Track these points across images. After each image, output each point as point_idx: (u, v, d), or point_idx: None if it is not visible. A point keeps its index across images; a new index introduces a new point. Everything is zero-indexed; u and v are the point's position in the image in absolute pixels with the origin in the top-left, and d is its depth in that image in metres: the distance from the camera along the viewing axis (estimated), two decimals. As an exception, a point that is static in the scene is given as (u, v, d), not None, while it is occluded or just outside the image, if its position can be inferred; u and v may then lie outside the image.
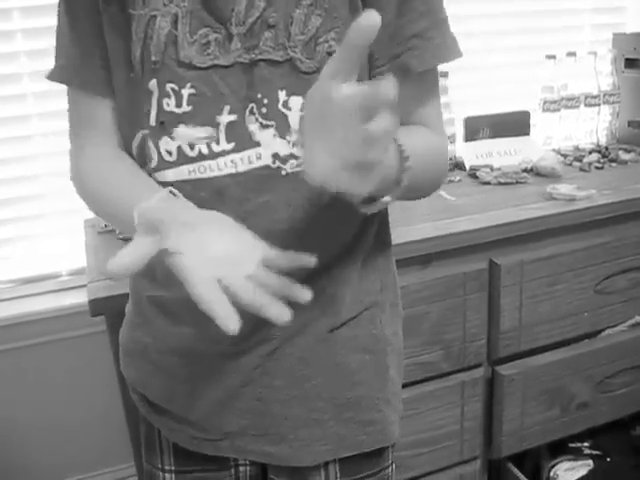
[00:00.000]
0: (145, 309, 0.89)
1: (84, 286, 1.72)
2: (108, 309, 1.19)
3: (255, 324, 0.82)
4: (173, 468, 0.97)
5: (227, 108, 0.75)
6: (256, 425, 0.88)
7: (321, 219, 0.80)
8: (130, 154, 0.82)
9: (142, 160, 0.80)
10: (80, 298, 1.76)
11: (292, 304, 0.81)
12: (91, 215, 1.60)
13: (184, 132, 0.75)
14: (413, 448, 1.49)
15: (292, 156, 0.76)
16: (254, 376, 0.85)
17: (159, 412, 0.94)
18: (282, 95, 0.75)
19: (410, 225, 1.41)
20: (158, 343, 0.89)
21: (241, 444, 0.89)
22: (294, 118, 0.75)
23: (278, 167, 0.76)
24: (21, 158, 1.71)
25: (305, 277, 0.81)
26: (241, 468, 0.96)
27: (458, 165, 1.82)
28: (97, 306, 1.20)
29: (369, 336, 0.90)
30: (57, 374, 1.88)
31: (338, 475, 0.92)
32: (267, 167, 0.76)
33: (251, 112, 0.75)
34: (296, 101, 0.75)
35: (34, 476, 1.95)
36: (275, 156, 0.76)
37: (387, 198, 0.70)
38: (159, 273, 0.83)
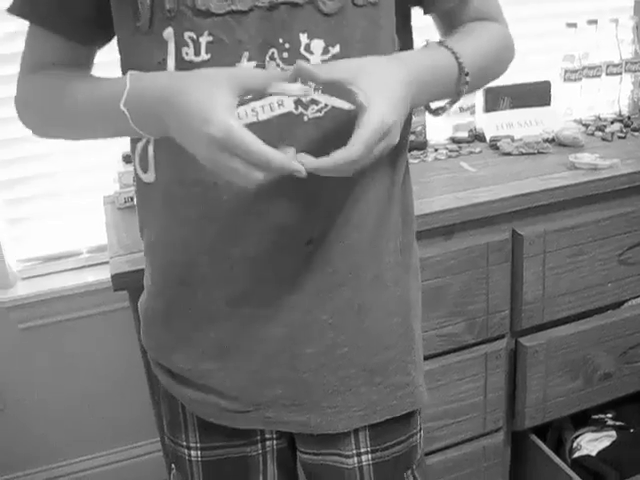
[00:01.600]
0: (166, 275, 0.88)
1: (105, 263, 1.74)
2: (130, 283, 1.19)
3: (281, 288, 0.82)
4: (198, 445, 0.95)
5: (246, 54, 0.73)
6: (288, 394, 0.87)
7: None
8: None
9: None
10: (101, 275, 1.77)
11: (321, 268, 0.82)
12: (110, 192, 1.62)
13: None
14: (436, 420, 1.49)
15: (313, 101, 0.75)
16: (284, 345, 0.85)
17: (184, 384, 0.91)
18: (304, 38, 0.73)
19: (431, 197, 1.40)
20: (182, 309, 0.87)
21: (272, 415, 0.89)
22: (316, 62, 0.74)
23: (300, 113, 0.75)
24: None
25: (331, 235, 0.81)
26: (268, 442, 0.95)
27: (478, 136, 1.80)
28: (120, 281, 1.20)
29: (395, 298, 0.90)
30: (79, 351, 1.89)
31: (369, 443, 0.92)
32: (289, 114, 0.75)
33: (271, 58, 0.73)
34: (318, 44, 0.74)
35: (59, 452, 1.98)
36: (298, 102, 0.75)
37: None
38: (177, 238, 0.83)
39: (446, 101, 0.85)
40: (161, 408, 1.01)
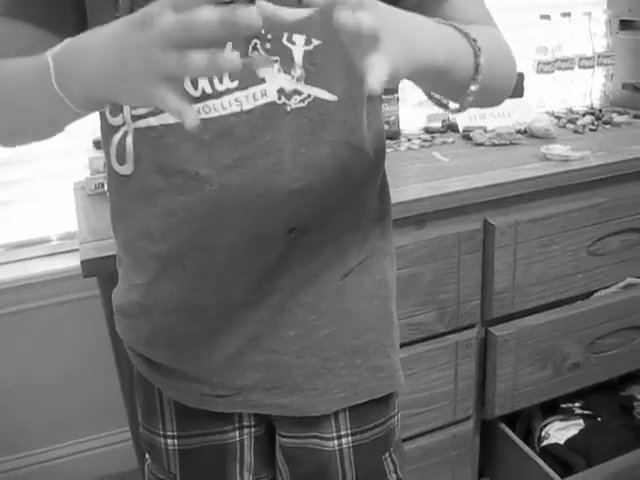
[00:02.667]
0: (147, 268, 0.86)
1: (75, 250, 1.72)
2: (100, 270, 1.18)
3: (263, 274, 0.82)
4: (175, 433, 0.94)
5: (229, 45, 0.72)
6: (270, 378, 0.87)
7: (326, 157, 0.80)
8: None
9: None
10: (71, 262, 1.75)
11: (303, 254, 0.82)
12: (81, 178, 1.60)
13: None
14: (407, 408, 1.50)
15: (296, 92, 0.75)
16: (266, 328, 0.85)
17: (163, 373, 0.91)
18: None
19: (404, 186, 1.40)
20: (163, 302, 0.86)
21: (254, 398, 0.89)
22: (298, 52, 0.74)
23: (283, 103, 0.75)
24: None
25: (314, 223, 0.81)
26: (245, 430, 0.95)
27: (451, 127, 1.80)
28: (89, 267, 1.19)
29: (375, 282, 0.90)
30: (48, 339, 1.87)
31: (349, 425, 0.92)
32: (272, 103, 0.75)
33: (254, 48, 0.73)
34: (300, 35, 0.74)
35: (27, 441, 1.96)
36: (280, 92, 0.75)
37: (473, 87, 0.73)
38: (156, 230, 0.82)
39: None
40: (135, 396, 1.00)
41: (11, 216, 1.77)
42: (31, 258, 1.81)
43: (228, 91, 0.74)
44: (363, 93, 0.82)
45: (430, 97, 0.83)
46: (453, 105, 0.80)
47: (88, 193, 1.54)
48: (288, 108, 0.76)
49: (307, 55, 0.75)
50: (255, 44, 0.73)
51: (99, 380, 1.87)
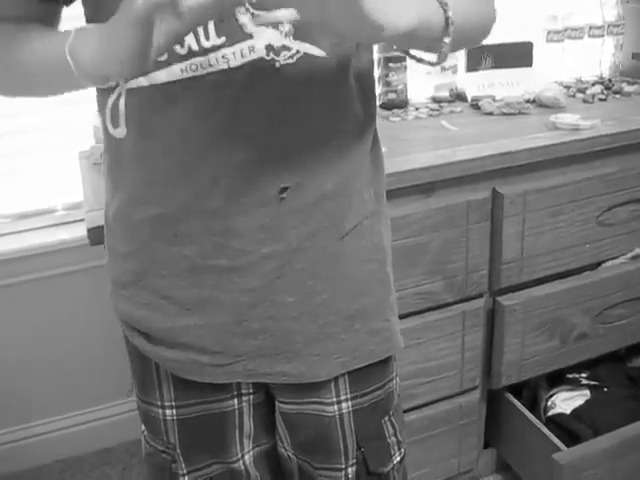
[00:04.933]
0: (139, 234, 0.85)
1: (80, 220, 1.72)
2: (107, 237, 1.17)
3: (257, 238, 0.81)
4: (173, 403, 0.94)
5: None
6: (269, 345, 0.87)
7: (315, 115, 0.79)
8: None
9: None
10: (77, 232, 1.75)
11: (296, 217, 0.81)
12: (86, 147, 1.59)
13: None
14: (414, 378, 1.50)
15: (284, 47, 0.74)
16: (263, 295, 0.84)
17: (161, 344, 0.89)
18: None
19: (412, 154, 1.39)
20: (157, 268, 0.85)
21: (254, 366, 0.88)
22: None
23: (272, 59, 0.74)
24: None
25: (311, 186, 0.81)
26: (244, 397, 0.95)
27: (459, 96, 1.78)
28: (96, 235, 1.18)
29: (372, 245, 0.90)
30: (55, 310, 1.87)
31: (348, 390, 0.92)
32: (261, 60, 0.74)
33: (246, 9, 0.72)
34: None
35: (35, 410, 1.97)
36: (269, 47, 0.73)
37: (446, 40, 0.72)
38: (147, 194, 0.81)
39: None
40: (131, 369, 0.99)
41: (16, 187, 1.77)
42: (37, 228, 1.81)
43: (215, 48, 0.72)
44: (351, 49, 0.81)
45: (406, 53, 0.83)
46: (430, 58, 0.78)
47: (93, 162, 1.53)
48: (277, 64, 0.75)
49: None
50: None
51: (107, 350, 1.87)
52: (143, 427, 0.99)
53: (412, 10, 0.66)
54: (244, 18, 0.72)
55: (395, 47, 0.80)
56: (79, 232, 1.70)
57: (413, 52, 0.80)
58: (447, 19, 0.72)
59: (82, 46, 0.67)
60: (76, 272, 1.83)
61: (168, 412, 0.94)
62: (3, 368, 1.89)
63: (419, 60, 0.80)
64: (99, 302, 1.79)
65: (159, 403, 0.94)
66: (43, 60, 0.73)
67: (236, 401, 0.94)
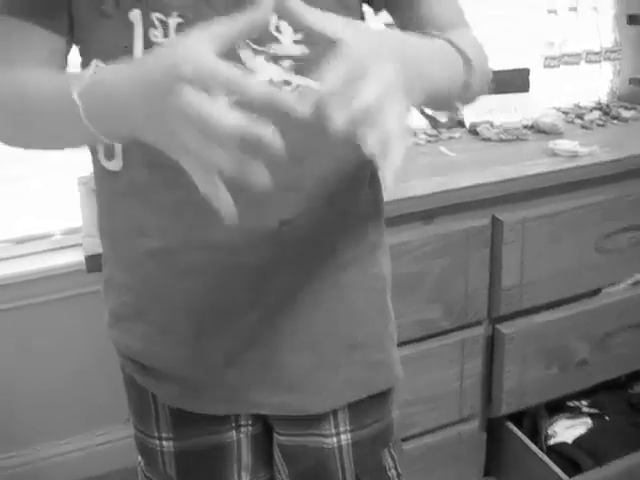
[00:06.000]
0: (139, 266, 0.84)
1: (78, 245, 1.71)
2: (105, 265, 1.16)
3: (259, 271, 0.80)
4: (171, 435, 0.92)
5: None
6: (268, 376, 0.86)
7: (316, 148, 0.78)
8: None
9: None
10: (74, 257, 1.74)
11: (298, 249, 0.80)
12: (85, 173, 1.58)
13: None
14: (413, 406, 1.49)
15: (286, 82, 0.73)
16: (263, 326, 0.83)
17: (158, 377, 0.88)
18: (273, 18, 0.70)
19: (411, 181, 1.38)
20: (157, 300, 0.84)
21: (253, 398, 0.87)
22: (286, 42, 0.72)
23: None
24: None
25: (312, 217, 0.80)
26: (242, 429, 0.93)
27: (458, 122, 1.79)
28: (93, 262, 1.17)
29: (372, 275, 0.89)
30: (52, 334, 1.86)
31: (347, 422, 0.91)
32: None
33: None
34: (287, 24, 0.71)
35: (28, 437, 1.95)
36: (270, 83, 0.72)
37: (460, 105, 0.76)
38: (148, 227, 0.80)
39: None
40: (127, 399, 0.97)
41: (15, 211, 1.76)
42: (35, 253, 1.80)
43: None
44: None
45: (422, 112, 0.83)
46: (442, 118, 0.80)
47: (92, 188, 1.53)
48: None
49: (295, 44, 0.73)
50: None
51: (103, 376, 1.85)
52: (140, 457, 0.97)
53: (442, 72, 0.70)
54: (245, 53, 0.72)
55: None
56: (76, 257, 1.69)
57: (427, 111, 0.82)
58: (467, 83, 0.74)
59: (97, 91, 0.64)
60: (73, 297, 1.82)
61: (165, 444, 0.92)
62: (-2, 394, 1.87)
63: (432, 120, 0.82)
64: (96, 327, 1.75)
65: (156, 434, 0.93)
66: (48, 105, 0.70)
67: (234, 433, 0.93)
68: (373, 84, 0.55)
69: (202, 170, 0.58)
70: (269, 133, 0.53)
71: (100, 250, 1.16)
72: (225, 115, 0.52)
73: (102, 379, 1.87)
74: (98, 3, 0.71)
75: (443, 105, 0.82)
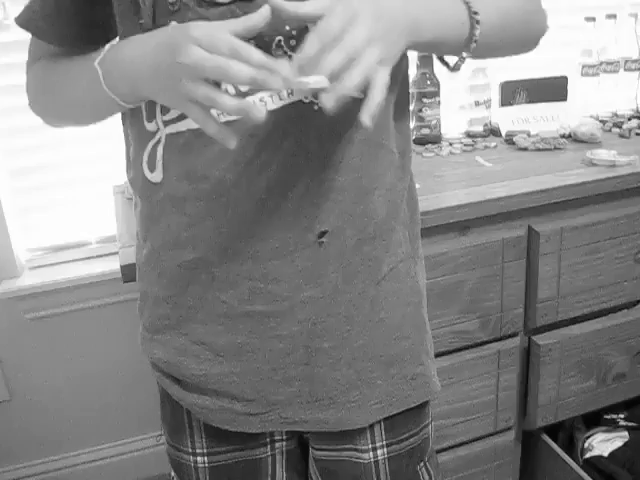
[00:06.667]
0: (174, 279, 0.84)
1: (113, 254, 1.73)
2: (141, 275, 1.17)
3: (295, 284, 0.80)
4: (205, 450, 0.92)
5: (252, 43, 0.71)
6: (305, 392, 0.85)
7: (353, 156, 0.78)
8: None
9: (161, 111, 0.77)
10: (110, 266, 1.76)
11: (334, 262, 0.80)
12: (120, 182, 1.60)
13: None
14: (447, 418, 1.47)
15: (322, 90, 0.73)
16: (300, 340, 0.83)
17: (193, 391, 0.88)
18: (311, 26, 0.71)
19: (447, 191, 1.38)
20: (193, 313, 0.84)
21: (289, 414, 0.87)
22: None
23: (310, 102, 0.74)
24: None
25: (343, 227, 0.80)
26: (277, 444, 0.93)
27: (494, 131, 1.77)
28: (130, 271, 1.18)
29: (408, 288, 0.89)
30: (87, 342, 1.88)
31: (384, 436, 0.91)
32: (299, 102, 0.74)
33: (278, 45, 0.72)
34: None
35: (66, 443, 1.97)
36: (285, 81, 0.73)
37: (464, 54, 0.77)
38: (185, 238, 0.80)
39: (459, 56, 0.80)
40: (161, 412, 0.98)
41: (51, 220, 1.79)
42: (70, 261, 1.82)
43: (252, 91, 0.72)
44: (389, 91, 0.81)
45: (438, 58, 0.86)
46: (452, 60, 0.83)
47: (127, 197, 1.54)
48: (315, 107, 0.74)
49: None
50: (279, 41, 0.72)
51: (138, 383, 1.87)
52: (172, 473, 0.97)
53: (428, 23, 0.71)
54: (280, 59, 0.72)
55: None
56: (112, 266, 1.71)
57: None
58: (472, 37, 0.76)
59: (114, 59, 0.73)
60: (108, 305, 1.84)
61: (199, 459, 0.92)
62: (33, 400, 1.90)
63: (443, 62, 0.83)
64: (130, 335, 1.78)
65: (190, 450, 0.92)
66: (75, 75, 0.79)
67: (269, 448, 0.93)
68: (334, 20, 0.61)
69: (205, 115, 0.66)
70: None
71: (135, 260, 1.18)
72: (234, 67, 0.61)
73: (136, 387, 1.89)
74: (137, 18, 0.73)
75: (441, 51, 0.82)
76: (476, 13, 0.75)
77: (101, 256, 1.82)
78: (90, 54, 0.78)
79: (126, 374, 1.91)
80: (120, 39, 0.79)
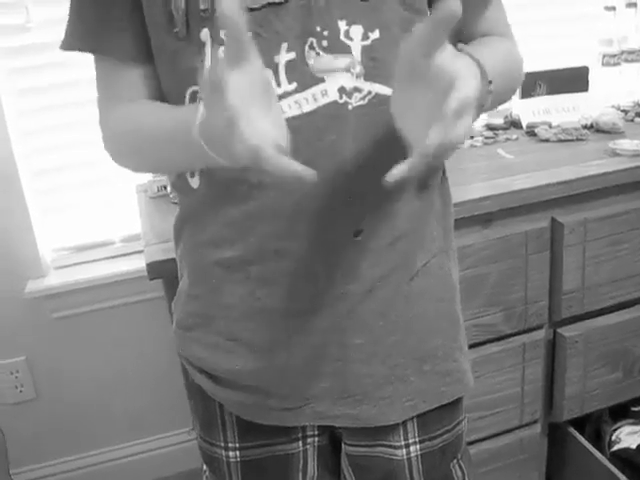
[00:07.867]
0: (209, 276, 0.85)
1: (137, 252, 1.74)
2: (165, 272, 1.18)
3: (330, 280, 0.80)
4: (237, 445, 0.92)
5: (285, 46, 0.72)
6: (338, 387, 0.85)
7: (389, 155, 0.78)
8: None
9: None
10: (134, 265, 1.77)
11: (370, 258, 0.80)
12: (143, 180, 1.61)
13: None
14: (473, 411, 1.47)
15: (356, 89, 0.74)
16: (333, 336, 0.83)
17: (227, 387, 0.88)
18: (342, 25, 0.72)
19: (469, 184, 1.37)
20: (227, 310, 0.85)
21: (323, 409, 0.87)
22: (356, 48, 0.73)
23: (345, 102, 0.74)
24: (72, 124, 1.68)
25: (380, 225, 0.80)
26: (309, 439, 0.93)
27: (514, 123, 1.76)
28: (154, 269, 1.19)
29: (441, 284, 0.89)
30: (113, 340, 1.89)
31: (417, 433, 0.90)
32: (334, 103, 0.74)
33: (311, 47, 0.72)
34: (357, 30, 0.73)
35: (92, 440, 1.99)
36: (341, 90, 0.73)
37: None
38: (222, 238, 0.81)
39: None
40: (191, 407, 0.99)
41: (75, 220, 1.80)
42: (95, 260, 1.84)
43: (286, 94, 0.73)
44: None
45: None
46: None
47: (150, 196, 1.56)
48: (350, 107, 0.74)
49: (365, 50, 0.74)
50: (311, 42, 0.72)
51: (164, 380, 1.88)
52: (205, 467, 0.98)
53: None
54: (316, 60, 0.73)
55: None
56: (136, 264, 1.72)
57: None
58: (481, 106, 0.73)
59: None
60: (134, 303, 1.86)
61: (232, 454, 0.93)
62: (60, 398, 1.92)
63: None
64: (156, 333, 1.81)
65: (222, 444, 0.93)
66: (167, 145, 0.76)
67: (301, 443, 0.93)
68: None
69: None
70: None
71: (160, 257, 1.19)
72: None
73: (162, 384, 1.90)
74: (170, 27, 0.74)
75: None
76: (490, 82, 0.73)
77: (125, 255, 1.83)
78: (172, 112, 0.76)
79: (152, 371, 1.92)
80: (154, 50, 0.79)
